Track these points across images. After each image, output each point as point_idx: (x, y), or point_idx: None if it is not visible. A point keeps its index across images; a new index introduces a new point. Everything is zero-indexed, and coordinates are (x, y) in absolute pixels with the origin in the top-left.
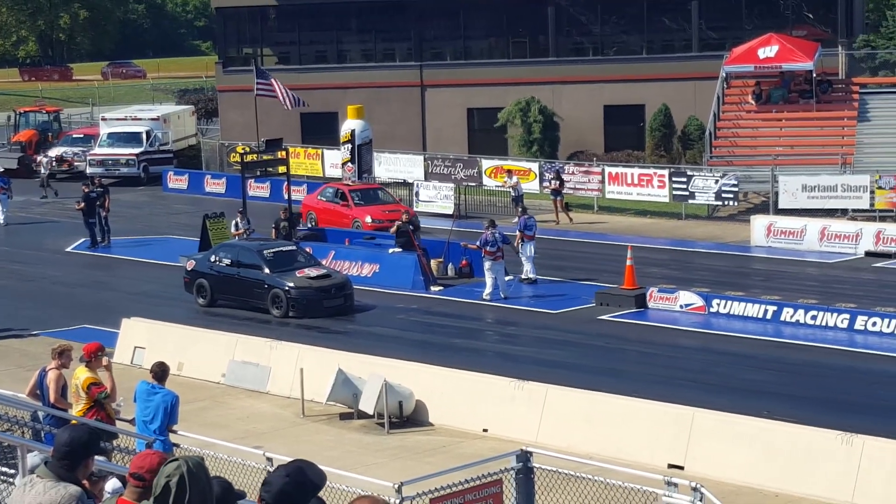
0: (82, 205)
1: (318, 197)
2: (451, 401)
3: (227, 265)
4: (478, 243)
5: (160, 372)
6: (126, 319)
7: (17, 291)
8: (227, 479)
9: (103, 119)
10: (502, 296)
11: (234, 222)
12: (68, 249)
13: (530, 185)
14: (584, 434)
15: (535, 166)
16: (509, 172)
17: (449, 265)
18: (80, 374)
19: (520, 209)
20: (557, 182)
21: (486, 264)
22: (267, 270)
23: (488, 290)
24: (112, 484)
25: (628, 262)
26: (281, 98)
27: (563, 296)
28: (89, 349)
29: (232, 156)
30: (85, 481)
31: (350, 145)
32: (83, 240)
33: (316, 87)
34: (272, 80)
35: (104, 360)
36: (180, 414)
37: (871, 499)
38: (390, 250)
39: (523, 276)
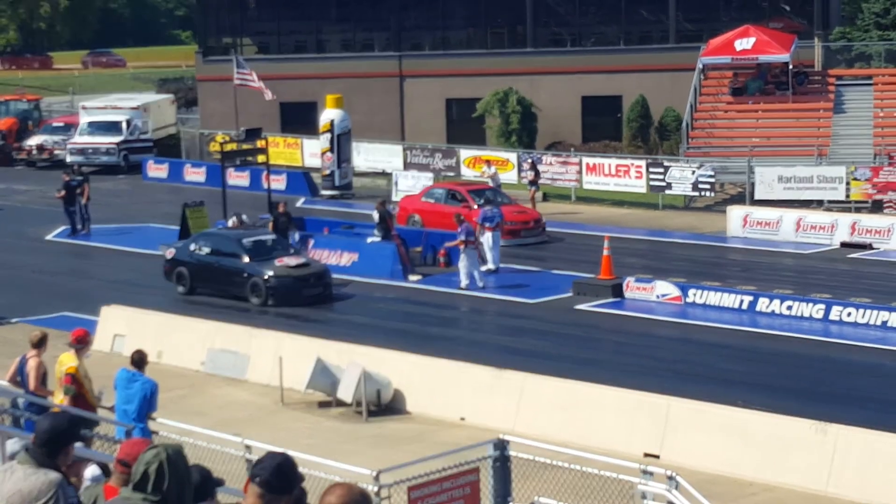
0: (62, 193)
1: (424, 198)
2: (428, 389)
3: (206, 254)
4: (462, 237)
5: (139, 359)
6: (106, 307)
7: None
8: (206, 466)
9: (83, 108)
10: (480, 285)
11: (231, 220)
12: (48, 237)
13: (508, 176)
14: (560, 423)
15: (513, 157)
16: (488, 163)
17: (428, 255)
18: (65, 361)
19: (482, 200)
20: (533, 173)
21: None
22: (246, 259)
23: (464, 280)
24: (91, 471)
25: (605, 253)
26: (260, 88)
27: (541, 285)
28: (77, 335)
29: (211, 145)
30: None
31: (329, 135)
32: (63, 228)
33: (295, 76)
34: (252, 72)
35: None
36: (160, 401)
37: (845, 488)
38: (369, 239)
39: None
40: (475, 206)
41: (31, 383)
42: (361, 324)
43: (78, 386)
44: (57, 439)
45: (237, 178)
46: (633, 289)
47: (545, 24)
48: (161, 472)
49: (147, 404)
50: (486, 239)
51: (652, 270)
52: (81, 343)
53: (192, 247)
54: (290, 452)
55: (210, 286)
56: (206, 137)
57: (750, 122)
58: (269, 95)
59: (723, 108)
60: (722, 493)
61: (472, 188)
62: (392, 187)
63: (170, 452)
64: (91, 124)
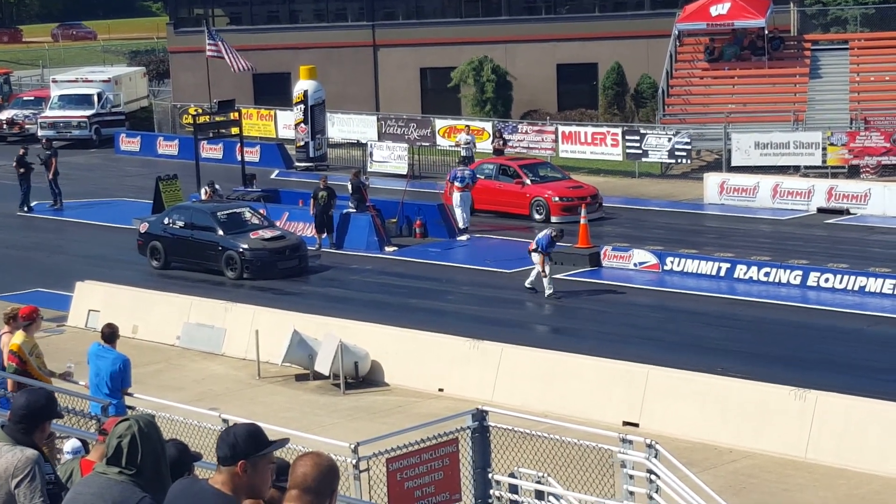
0: (15, 164)
1: None
2: (406, 361)
3: (180, 227)
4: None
5: (110, 333)
6: (80, 283)
7: None
8: (183, 440)
9: (54, 81)
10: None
11: (204, 189)
12: (20, 213)
13: (483, 145)
14: (539, 392)
15: (488, 126)
16: (467, 127)
17: (404, 225)
18: (17, 338)
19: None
20: (500, 142)
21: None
22: (221, 232)
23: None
24: (71, 444)
25: (582, 221)
26: (229, 61)
27: (517, 255)
28: (22, 312)
29: (184, 117)
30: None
31: (303, 106)
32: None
33: (268, 47)
34: (219, 43)
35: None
36: (135, 376)
37: (824, 454)
38: (344, 210)
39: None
40: (528, 182)
41: (6, 360)
42: (337, 296)
43: (20, 363)
44: (33, 416)
45: (210, 151)
46: (611, 257)
47: None
48: (134, 444)
49: (118, 379)
50: (455, 199)
51: (629, 239)
52: (28, 320)
53: (166, 220)
54: (266, 426)
55: (185, 260)
56: (179, 110)
57: (726, 88)
58: (238, 67)
59: (699, 75)
60: (701, 461)
61: (523, 163)
62: (367, 158)
63: (142, 424)
64: (62, 98)
